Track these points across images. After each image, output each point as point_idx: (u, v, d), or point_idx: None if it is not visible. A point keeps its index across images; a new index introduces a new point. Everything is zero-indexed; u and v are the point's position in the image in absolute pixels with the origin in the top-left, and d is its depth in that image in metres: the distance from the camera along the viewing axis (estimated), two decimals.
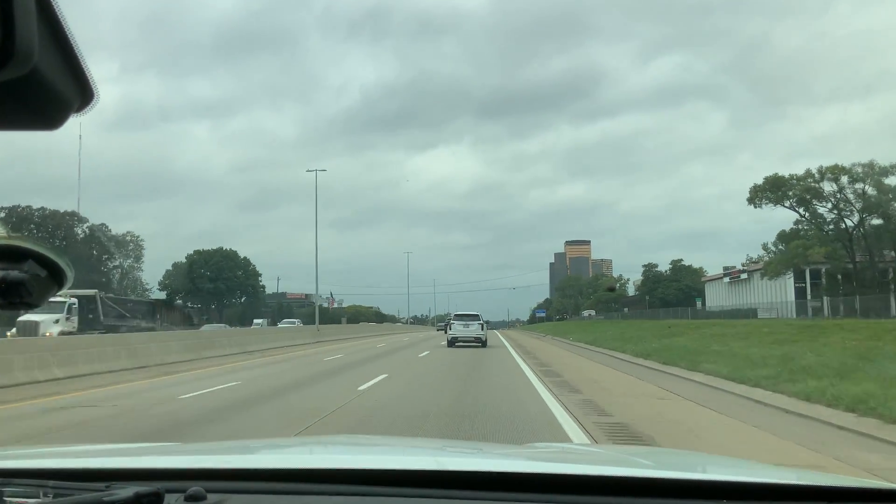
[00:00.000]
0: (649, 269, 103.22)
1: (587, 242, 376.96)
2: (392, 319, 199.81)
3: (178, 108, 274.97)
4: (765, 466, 2.25)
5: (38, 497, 1.27)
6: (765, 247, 63.25)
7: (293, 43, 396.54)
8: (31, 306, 0.91)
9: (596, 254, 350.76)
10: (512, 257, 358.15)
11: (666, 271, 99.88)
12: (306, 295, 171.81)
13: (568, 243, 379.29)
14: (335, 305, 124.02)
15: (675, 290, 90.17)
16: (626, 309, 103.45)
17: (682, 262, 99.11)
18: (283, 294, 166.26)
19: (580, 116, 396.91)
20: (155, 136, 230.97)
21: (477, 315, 34.23)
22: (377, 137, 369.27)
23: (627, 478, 1.52)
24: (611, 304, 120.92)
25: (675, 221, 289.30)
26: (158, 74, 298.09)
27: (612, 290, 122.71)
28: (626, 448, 4.72)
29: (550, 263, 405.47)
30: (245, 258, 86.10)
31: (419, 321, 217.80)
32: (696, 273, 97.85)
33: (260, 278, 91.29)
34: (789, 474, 1.87)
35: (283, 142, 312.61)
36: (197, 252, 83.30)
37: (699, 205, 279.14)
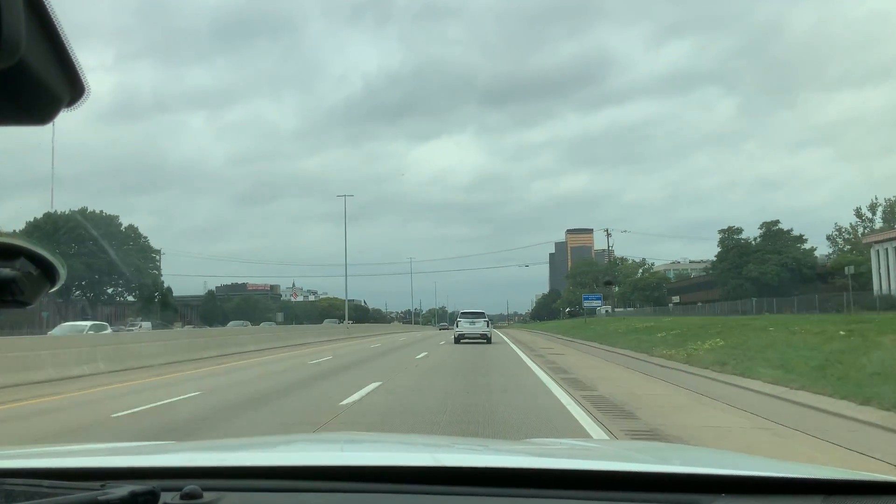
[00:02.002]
0: (728, 236, 71.55)
1: (589, 231, 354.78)
2: (378, 316, 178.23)
3: (175, 97, 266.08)
4: (764, 460, 2.23)
5: (33, 497, 1.22)
6: None
7: (293, 29, 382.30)
8: (23, 304, 0.88)
9: (598, 244, 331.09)
10: (512, 250, 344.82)
11: (754, 239, 69.07)
12: (271, 286, 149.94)
13: (569, 232, 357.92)
14: (297, 297, 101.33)
15: (775, 267, 60.85)
16: (676, 298, 78.93)
17: (779, 226, 67.64)
18: (244, 285, 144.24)
19: (587, 104, 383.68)
20: (150, 127, 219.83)
21: (482, 313, 35.48)
22: (379, 127, 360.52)
23: (624, 472, 1.51)
24: (647, 294, 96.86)
25: (677, 212, 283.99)
26: (154, 63, 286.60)
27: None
28: (630, 443, 4.53)
29: (550, 254, 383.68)
30: (131, 227, 61.82)
31: (409, 316, 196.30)
32: (798, 241, 67.28)
33: (158, 257, 66.57)
34: (787, 467, 1.80)
35: (283, 133, 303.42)
36: (47, 215, 58.10)
37: (703, 195, 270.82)
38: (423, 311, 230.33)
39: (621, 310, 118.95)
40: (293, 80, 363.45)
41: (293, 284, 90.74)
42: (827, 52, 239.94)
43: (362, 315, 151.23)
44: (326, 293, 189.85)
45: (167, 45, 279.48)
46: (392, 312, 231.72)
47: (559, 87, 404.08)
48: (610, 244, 53.40)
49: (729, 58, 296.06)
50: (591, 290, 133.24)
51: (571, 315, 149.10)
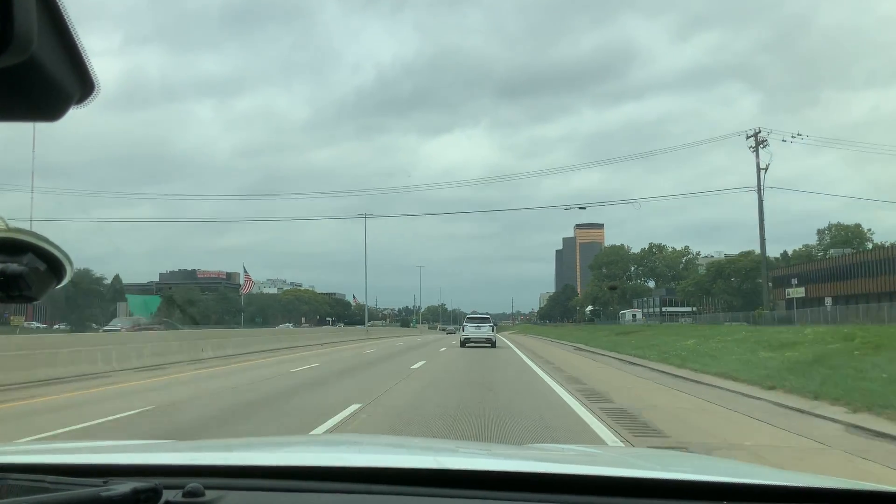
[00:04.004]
0: None
1: (600, 226, 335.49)
2: (356, 312, 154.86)
3: (183, 85, 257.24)
4: (770, 470, 2.24)
5: (36, 492, 1.24)
6: None
7: (306, 15, 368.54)
8: (30, 300, 0.88)
9: (609, 240, 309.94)
10: (519, 248, 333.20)
11: None
12: (227, 274, 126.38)
13: (578, 227, 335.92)
14: (251, 290, 77.74)
15: None
16: (797, 291, 53.86)
17: None
18: (194, 272, 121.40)
19: (605, 99, 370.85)
20: (157, 116, 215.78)
21: (487, 318, 35.93)
22: (390, 120, 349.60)
23: (627, 478, 1.52)
24: (731, 285, 71.98)
25: (689, 212, 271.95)
26: (162, 48, 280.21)
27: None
28: (636, 451, 4.52)
29: (557, 251, 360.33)
30: None
31: (406, 314, 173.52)
32: None
33: None
34: (792, 476, 1.79)
35: (292, 124, 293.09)
36: None
37: (716, 195, 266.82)
38: (422, 309, 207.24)
39: (638, 318, 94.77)
40: (305, 69, 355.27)
41: (244, 270, 67.14)
42: (854, 49, 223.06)
43: (343, 312, 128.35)
44: (313, 286, 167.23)
45: (176, 30, 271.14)
46: (385, 310, 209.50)
47: (578, 80, 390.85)
48: (765, 164, 30.00)
49: (754, 53, 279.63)
50: (623, 285, 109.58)
51: (594, 315, 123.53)
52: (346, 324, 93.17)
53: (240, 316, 71.78)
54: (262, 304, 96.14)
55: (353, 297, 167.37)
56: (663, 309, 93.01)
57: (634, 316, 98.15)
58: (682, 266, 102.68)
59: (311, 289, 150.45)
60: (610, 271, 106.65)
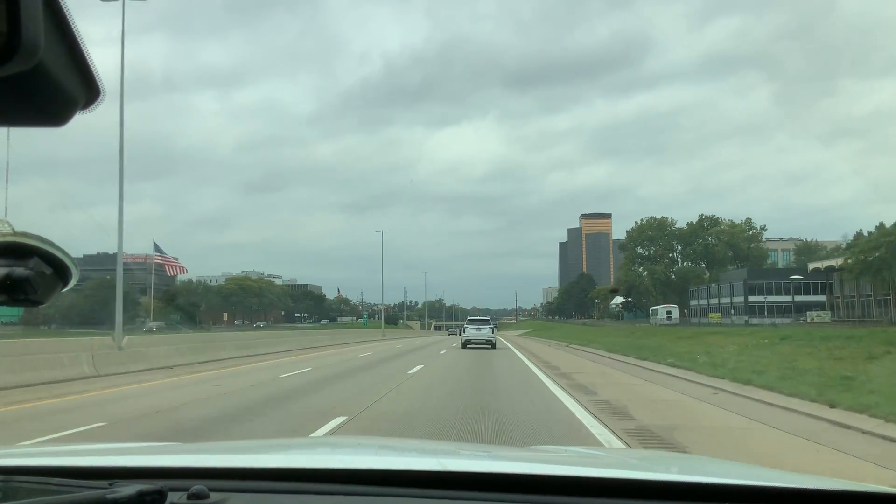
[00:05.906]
0: None
1: (607, 216, 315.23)
2: (344, 308, 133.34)
3: (185, 76, 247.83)
4: (774, 472, 2.28)
5: (42, 495, 1.26)
6: None
7: (313, 1, 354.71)
8: (35, 303, 0.89)
9: (617, 232, 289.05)
10: (523, 243, 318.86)
11: None
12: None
13: (584, 216, 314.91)
14: (185, 275, 56.57)
15: None
16: None
17: None
18: (115, 256, 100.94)
19: (617, 89, 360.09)
20: (158, 108, 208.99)
21: (487, 319, 39.04)
22: (396, 112, 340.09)
23: (626, 480, 1.55)
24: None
25: (695, 207, 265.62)
26: (164, 36, 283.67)
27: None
28: (638, 452, 4.58)
29: (561, 243, 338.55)
30: None
31: (399, 310, 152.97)
32: None
33: None
34: (796, 478, 1.78)
35: (296, 117, 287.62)
36: None
37: (723, 189, 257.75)
38: (419, 305, 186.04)
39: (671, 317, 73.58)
40: (310, 59, 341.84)
41: (155, 248, 46.15)
42: (877, 35, 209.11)
43: (313, 306, 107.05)
44: (295, 279, 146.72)
45: (178, 17, 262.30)
46: (375, 305, 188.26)
47: (590, 69, 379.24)
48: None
49: (774, 40, 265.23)
50: (664, 269, 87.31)
51: (626, 310, 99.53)
52: (315, 321, 71.86)
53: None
54: (193, 297, 74.20)
55: (338, 290, 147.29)
56: (750, 299, 68.92)
57: (669, 314, 76.54)
58: (749, 245, 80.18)
59: (291, 281, 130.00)
60: (652, 252, 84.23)
